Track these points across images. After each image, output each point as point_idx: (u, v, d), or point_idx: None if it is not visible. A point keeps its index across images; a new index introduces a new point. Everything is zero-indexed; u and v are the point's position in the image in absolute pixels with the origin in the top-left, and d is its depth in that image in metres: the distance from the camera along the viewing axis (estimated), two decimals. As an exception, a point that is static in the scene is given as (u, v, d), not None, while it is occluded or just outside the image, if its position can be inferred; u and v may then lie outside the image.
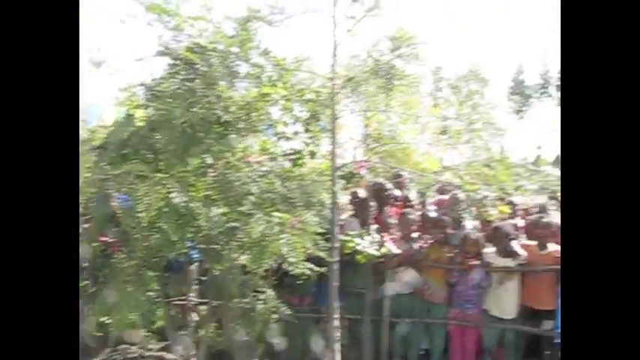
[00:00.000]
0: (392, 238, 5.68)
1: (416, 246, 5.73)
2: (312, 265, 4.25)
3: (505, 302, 5.58)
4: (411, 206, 6.14)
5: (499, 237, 5.55)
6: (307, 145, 4.52)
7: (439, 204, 6.30)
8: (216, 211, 3.97)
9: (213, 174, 4.29)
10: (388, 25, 4.33)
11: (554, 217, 5.52)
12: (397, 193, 6.16)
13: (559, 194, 5.66)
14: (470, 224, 5.90)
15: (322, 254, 4.23)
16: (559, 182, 4.39)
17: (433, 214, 5.88)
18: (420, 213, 5.95)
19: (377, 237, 5.08)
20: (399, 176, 6.23)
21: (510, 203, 5.56)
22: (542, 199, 5.00)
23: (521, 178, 4.19)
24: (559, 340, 5.38)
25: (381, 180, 6.24)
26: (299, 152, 4.58)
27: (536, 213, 5.74)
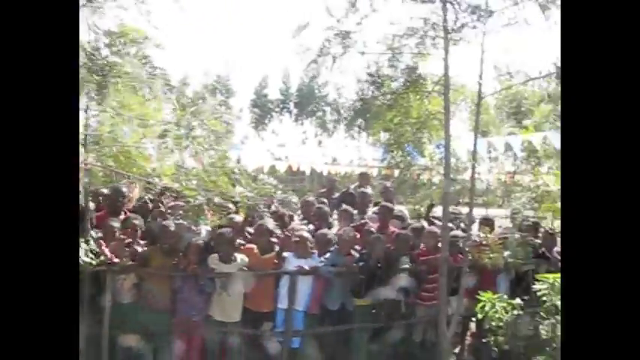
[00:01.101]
0: (113, 245, 5.45)
1: (139, 252, 5.58)
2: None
3: (229, 307, 5.71)
4: (135, 212, 5.97)
5: (221, 243, 5.68)
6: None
7: (166, 209, 6.23)
8: None
9: None
10: (114, 19, 4.12)
11: (270, 222, 5.84)
12: (121, 197, 5.94)
13: (276, 201, 6.00)
14: (197, 230, 5.92)
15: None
16: (274, 190, 4.68)
17: (157, 220, 5.78)
18: (142, 219, 5.81)
19: (93, 244, 4.81)
20: (121, 179, 6.01)
21: (236, 208, 5.73)
22: (263, 205, 5.25)
23: (240, 185, 4.32)
24: (279, 339, 5.70)
25: (112, 185, 5.97)
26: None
27: (258, 218, 5.98)
